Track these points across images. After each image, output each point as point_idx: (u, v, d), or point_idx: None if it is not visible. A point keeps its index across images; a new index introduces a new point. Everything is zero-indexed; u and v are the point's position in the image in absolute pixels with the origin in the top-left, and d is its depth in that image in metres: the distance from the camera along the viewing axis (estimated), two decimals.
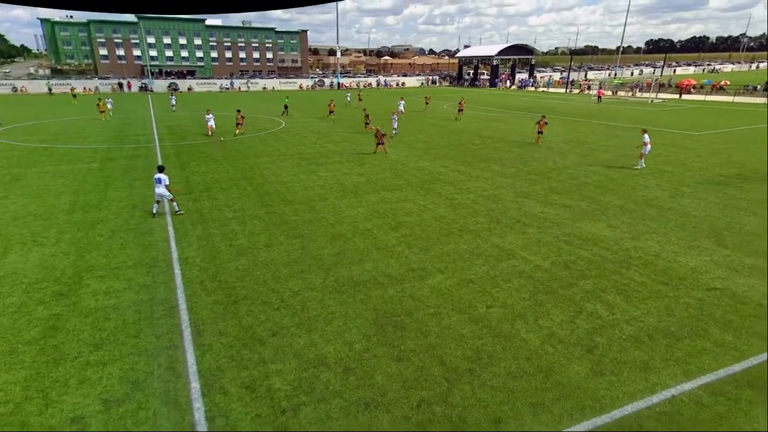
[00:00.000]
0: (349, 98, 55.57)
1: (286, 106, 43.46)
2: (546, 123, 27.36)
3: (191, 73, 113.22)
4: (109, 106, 41.27)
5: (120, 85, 79.04)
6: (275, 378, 6.96)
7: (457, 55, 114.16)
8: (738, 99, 56.50)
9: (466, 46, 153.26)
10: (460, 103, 41.50)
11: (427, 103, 50.69)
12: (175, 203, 14.56)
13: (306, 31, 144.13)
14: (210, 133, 30.55)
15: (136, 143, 28.43)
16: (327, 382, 6.88)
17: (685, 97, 60.71)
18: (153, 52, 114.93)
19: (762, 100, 54.27)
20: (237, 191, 17.50)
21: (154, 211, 14.48)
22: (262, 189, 17.79)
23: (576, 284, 9.97)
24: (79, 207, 15.58)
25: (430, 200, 16.22)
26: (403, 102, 41.94)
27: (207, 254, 11.62)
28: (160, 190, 14.02)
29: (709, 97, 59.24)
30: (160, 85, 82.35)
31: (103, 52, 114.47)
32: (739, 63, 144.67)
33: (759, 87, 62.70)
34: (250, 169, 21.25)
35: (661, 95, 61.71)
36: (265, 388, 6.74)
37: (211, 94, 75.40)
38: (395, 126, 30.82)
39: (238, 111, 31.80)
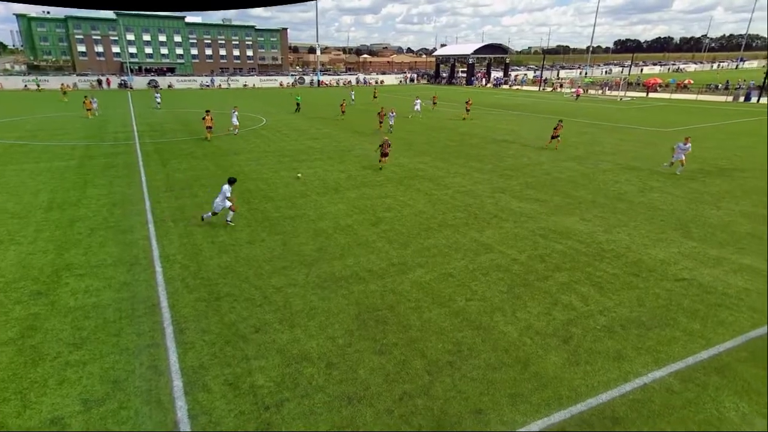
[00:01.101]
0: (353, 97, 53.80)
1: (298, 104, 43.45)
2: (562, 127, 25.49)
3: (171, 70, 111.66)
4: (94, 105, 40.13)
5: (99, 81, 77.59)
6: (258, 374, 7.01)
7: (434, 53, 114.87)
8: (701, 97, 58.61)
9: (442, 45, 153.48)
10: (467, 103, 39.55)
11: (434, 103, 47.64)
12: (231, 213, 13.37)
13: (286, 29, 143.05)
14: (232, 129, 30.11)
15: (115, 140, 27.94)
16: (310, 377, 6.96)
17: (651, 95, 62.47)
18: (132, 49, 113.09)
19: (722, 98, 56.23)
20: (218, 188, 17.26)
21: (204, 217, 13.59)
22: (243, 186, 17.68)
23: (551, 277, 10.24)
24: (57, 205, 15.30)
25: (409, 196, 16.37)
26: (419, 101, 40.68)
27: (189, 252, 11.56)
28: (218, 199, 13.02)
29: (674, 96, 61.03)
30: (139, 82, 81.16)
31: (81, 48, 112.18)
32: (701, 63, 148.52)
33: (720, 86, 65.05)
34: (231, 166, 21.09)
35: (630, 93, 63.36)
36: (248, 385, 6.79)
37: (191, 91, 74.40)
38: (391, 123, 31.04)
39: (207, 112, 27.75)
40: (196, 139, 28.31)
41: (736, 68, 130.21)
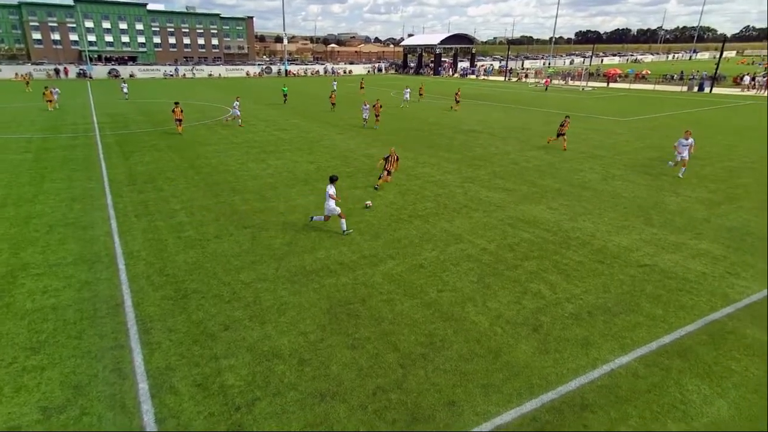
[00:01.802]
0: (335, 86, 50.92)
1: (285, 94, 43.70)
2: (569, 123, 23.06)
3: (133, 59, 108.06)
4: (55, 96, 38.05)
5: (57, 71, 74.29)
6: (228, 374, 6.86)
7: (401, 43, 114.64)
8: (658, 87, 60.61)
9: (410, 35, 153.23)
10: (456, 94, 39.11)
11: (420, 95, 46.51)
12: (343, 221, 12.01)
13: (252, 17, 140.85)
14: (232, 120, 29.88)
15: (74, 132, 26.83)
16: (282, 374, 6.85)
17: (612, 85, 64.16)
18: (91, 37, 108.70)
19: (678, 88, 58.14)
20: (184, 181, 16.88)
21: (313, 218, 12.67)
22: (210, 179, 17.26)
23: (520, 266, 10.39)
24: (11, 201, 14.58)
25: (379, 187, 16.29)
26: (408, 90, 41.19)
27: (153, 248, 11.20)
28: (330, 204, 11.72)
29: (633, 86, 62.82)
30: (99, 71, 78.12)
31: (37, 36, 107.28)
32: (657, 54, 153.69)
33: (675, 76, 67.47)
34: (197, 158, 20.53)
35: (591, 83, 64.84)
36: (217, 385, 6.63)
37: (155, 81, 72.10)
38: (365, 116, 29.66)
39: (177, 104, 26.49)
40: (160, 131, 27.42)
41: (690, 59, 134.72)
